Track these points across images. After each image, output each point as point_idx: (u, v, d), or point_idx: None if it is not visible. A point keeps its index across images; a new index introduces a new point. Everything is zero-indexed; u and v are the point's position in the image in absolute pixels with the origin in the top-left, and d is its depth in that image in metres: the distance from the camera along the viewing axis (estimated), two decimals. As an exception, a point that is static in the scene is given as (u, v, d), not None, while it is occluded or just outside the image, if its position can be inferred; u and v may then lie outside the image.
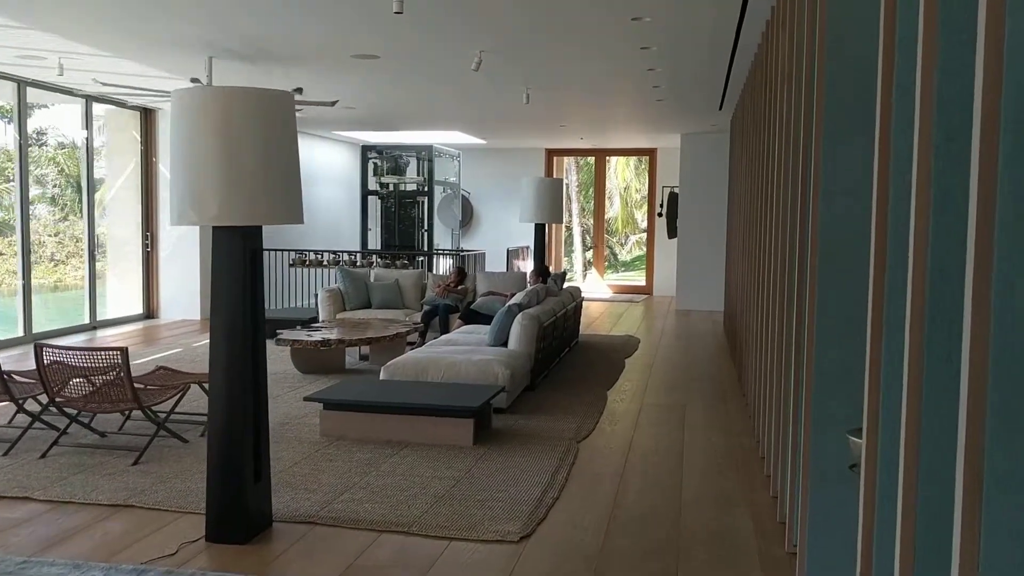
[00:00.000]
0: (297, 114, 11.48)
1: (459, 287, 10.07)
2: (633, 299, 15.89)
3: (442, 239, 16.44)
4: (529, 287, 8.46)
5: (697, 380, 8.08)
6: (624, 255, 24.54)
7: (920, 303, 1.85)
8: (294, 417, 6.26)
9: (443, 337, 7.85)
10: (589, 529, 4.23)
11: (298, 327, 9.28)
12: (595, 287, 17.64)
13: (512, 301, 7.85)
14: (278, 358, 8.47)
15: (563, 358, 8.96)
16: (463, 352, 6.84)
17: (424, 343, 8.50)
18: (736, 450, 5.67)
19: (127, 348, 5.17)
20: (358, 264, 12.95)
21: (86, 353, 5.32)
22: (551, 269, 10.19)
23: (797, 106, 4.14)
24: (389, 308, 10.06)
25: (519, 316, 7.29)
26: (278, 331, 8.33)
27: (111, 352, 5.13)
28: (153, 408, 5.60)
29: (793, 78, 4.25)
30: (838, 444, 3.41)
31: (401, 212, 14.80)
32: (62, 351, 5.35)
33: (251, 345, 3.93)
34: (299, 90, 9.40)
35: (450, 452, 5.40)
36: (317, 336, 7.81)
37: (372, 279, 10.48)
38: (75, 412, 5.44)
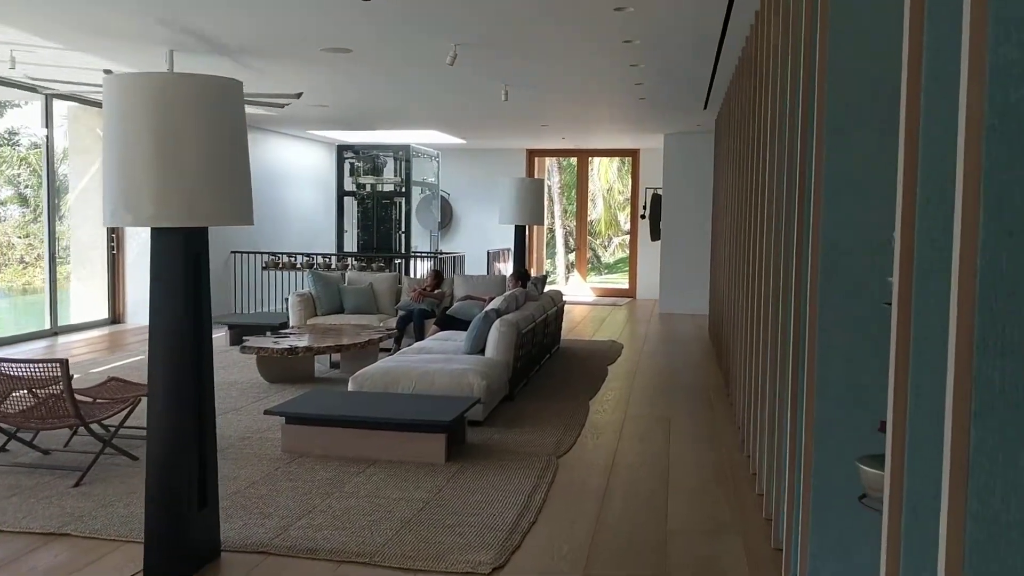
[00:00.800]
0: (267, 111, 11.09)
1: (436, 291, 9.70)
2: (616, 302, 15.58)
3: (421, 241, 16.07)
4: (508, 291, 8.10)
5: (682, 388, 7.75)
6: (607, 257, 24.25)
7: (968, 320, 1.51)
8: (256, 431, 5.87)
9: (416, 344, 7.48)
10: (568, 558, 3.88)
11: (268, 333, 8.90)
12: (577, 290, 17.31)
13: (490, 306, 7.49)
14: (244, 366, 8.08)
15: (544, 365, 8.61)
16: (437, 361, 6.48)
17: (400, 349, 8.13)
18: (725, 465, 5.33)
19: (67, 360, 4.77)
20: (332, 267, 12.57)
21: (26, 365, 4.92)
22: (531, 272, 9.82)
23: (793, 100, 3.80)
24: (363, 313, 9.68)
25: (497, 322, 6.93)
26: (245, 338, 7.94)
27: (50, 364, 4.73)
28: (104, 422, 5.21)
29: (789, 69, 3.92)
30: (844, 471, 3.08)
31: (378, 214, 14.41)
32: (1, 363, 4.95)
33: (194, 359, 3.55)
34: (299, 95, 8.94)
35: (421, 470, 5.04)
36: (284, 343, 7.42)
37: (346, 283, 10.10)
38: (14, 429, 5.03)
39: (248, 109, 10.96)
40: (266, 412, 5.47)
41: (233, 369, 8.12)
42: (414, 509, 4.39)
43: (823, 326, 3.08)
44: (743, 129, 6.57)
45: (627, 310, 14.44)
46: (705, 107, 10.60)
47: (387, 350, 9.08)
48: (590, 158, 18.08)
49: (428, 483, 4.80)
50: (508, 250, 14.79)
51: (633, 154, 16.58)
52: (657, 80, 8.85)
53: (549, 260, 21.56)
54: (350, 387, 6.16)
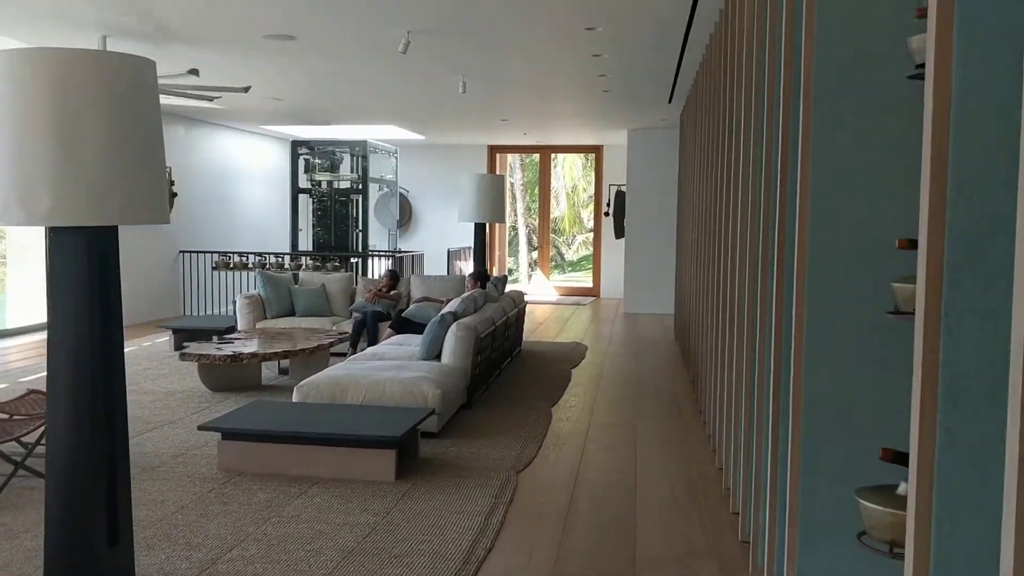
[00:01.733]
0: (214, 104, 10.59)
1: (391, 292, 9.28)
2: (580, 302, 15.24)
3: (379, 240, 15.62)
4: (466, 293, 7.71)
5: (649, 394, 7.41)
6: (571, 255, 23.94)
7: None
8: (192, 447, 5.42)
9: (369, 350, 7.06)
10: (527, 592, 3.50)
11: (214, 338, 8.44)
12: (541, 289, 16.96)
13: (446, 309, 7.10)
14: (186, 374, 7.61)
15: (504, 370, 8.23)
16: (389, 368, 6.07)
17: (357, 354, 7.71)
18: (696, 480, 4.99)
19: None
20: (285, 267, 12.10)
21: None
22: (492, 272, 9.42)
23: (773, 79, 3.46)
24: (315, 316, 9.24)
25: (454, 326, 6.54)
26: (185, 344, 7.47)
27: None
28: (22, 440, 4.74)
29: (767, 47, 3.57)
30: (835, 500, 2.74)
31: (335, 211, 13.94)
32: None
33: (102, 376, 3.11)
34: (195, 71, 8.44)
35: (368, 489, 4.63)
36: (228, 349, 6.97)
37: (298, 284, 9.65)
38: (-84, 449, 4.55)
39: (187, 102, 10.46)
40: (200, 428, 5.02)
41: (174, 377, 7.64)
42: (359, 536, 3.99)
43: (811, 335, 2.74)
44: (712, 119, 6.24)
45: (591, 310, 14.11)
46: (670, 101, 10.29)
47: (341, 355, 8.66)
48: (553, 154, 17.73)
49: (376, 504, 4.40)
50: (469, 249, 14.39)
51: (597, 150, 16.26)
52: (621, 72, 8.51)
53: (512, 259, 21.20)
54: (295, 397, 5.74)
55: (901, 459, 2.21)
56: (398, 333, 8.14)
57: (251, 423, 5.03)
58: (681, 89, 9.58)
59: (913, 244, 2.17)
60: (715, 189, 5.93)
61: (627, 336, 11.00)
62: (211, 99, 8.33)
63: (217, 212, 13.68)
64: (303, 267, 11.83)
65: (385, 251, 14.60)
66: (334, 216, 13.82)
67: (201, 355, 6.81)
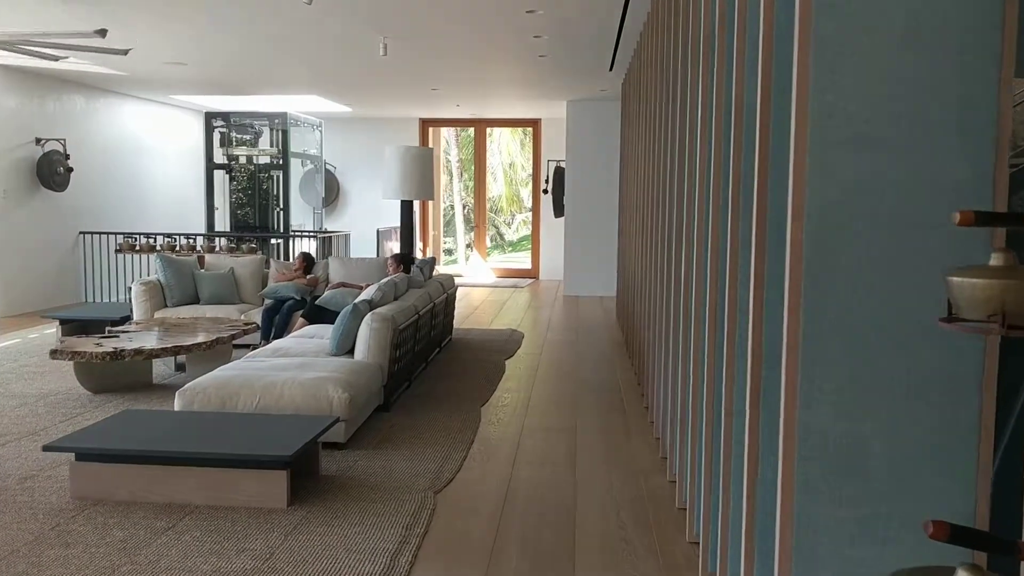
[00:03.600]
0: (117, 71, 9.55)
1: (307, 276, 8.41)
2: (518, 284, 14.49)
3: (305, 219, 14.65)
4: (387, 278, 6.88)
5: (590, 389, 6.69)
6: (511, 235, 23.20)
7: None
8: (45, 468, 4.53)
9: (273, 344, 6.18)
10: (437, 667, 2.74)
11: (108, 329, 7.51)
12: (478, 271, 16.17)
13: (361, 296, 6.27)
14: (65, 372, 6.67)
15: (431, 363, 7.44)
16: (290, 367, 5.24)
17: (258, 349, 6.85)
18: (644, 497, 4.28)
19: None
20: (197, 249, 11.11)
21: None
22: (418, 254, 8.60)
23: (750, 30, 2.72)
24: (222, 303, 8.32)
25: (368, 317, 5.73)
26: (62, 340, 6.53)
27: None
28: None
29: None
30: (840, 553, 2.02)
31: (253, 188, 12.94)
32: None
33: None
34: (102, 32, 7.48)
35: (253, 520, 3.82)
36: (109, 345, 6.06)
37: (204, 268, 8.71)
38: None
39: (83, 67, 9.40)
40: (46, 448, 4.13)
41: (52, 377, 6.70)
42: (229, 589, 3.19)
43: (812, 347, 2.01)
44: (660, 79, 5.50)
45: (529, 293, 13.38)
46: (611, 68, 9.55)
47: (250, 346, 7.80)
48: (488, 129, 16.90)
49: (259, 541, 3.60)
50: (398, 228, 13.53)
51: (534, 124, 15.48)
52: (558, 33, 7.73)
53: (450, 239, 20.36)
54: (177, 404, 4.88)
55: (963, 537, 1.50)
56: (312, 323, 7.29)
57: (113, 440, 4.17)
58: (623, 55, 8.84)
59: (989, 219, 1.44)
60: (664, 161, 5.20)
61: (567, 321, 10.28)
62: (56, 58, 7.35)
63: (124, 189, 12.59)
64: (216, 249, 10.87)
65: (309, 231, 13.65)
66: (255, 194, 12.83)
67: (75, 352, 5.88)
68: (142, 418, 4.62)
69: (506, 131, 20.82)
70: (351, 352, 5.79)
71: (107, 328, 7.56)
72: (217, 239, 11.69)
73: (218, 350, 6.62)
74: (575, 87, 11.33)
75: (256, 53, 9.07)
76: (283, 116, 12.52)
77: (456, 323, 9.64)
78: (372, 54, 8.36)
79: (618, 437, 5.33)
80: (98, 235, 11.63)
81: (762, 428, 2.42)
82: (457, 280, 15.12)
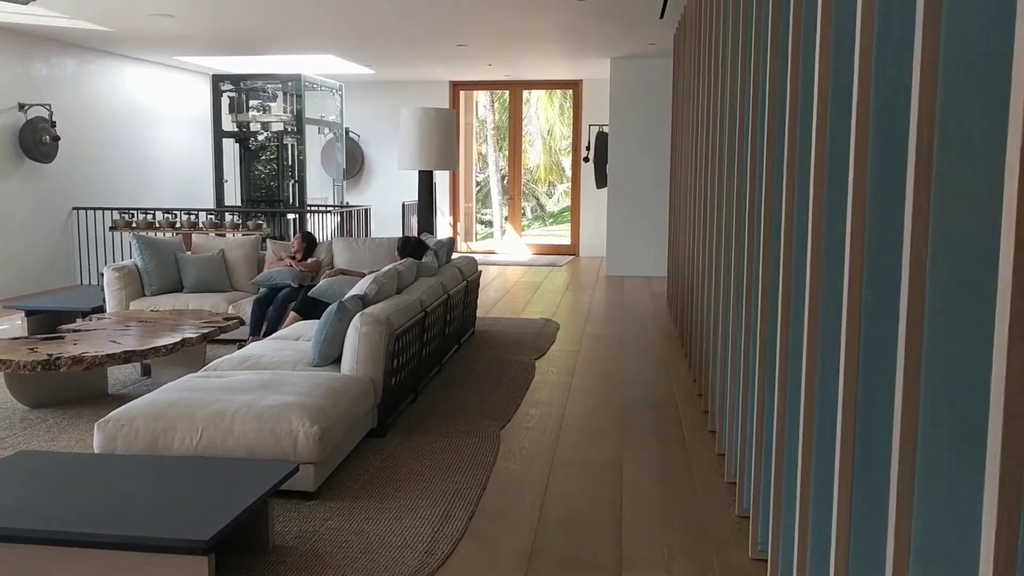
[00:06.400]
0: (100, 28, 8.37)
1: (308, 260, 7.24)
2: (555, 262, 13.22)
3: (327, 191, 13.50)
4: (389, 265, 5.64)
5: (639, 403, 5.43)
6: (552, 206, 21.90)
7: None
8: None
9: (242, 351, 4.94)
10: None
11: (80, 320, 6.46)
12: (513, 248, 14.93)
13: (353, 291, 5.07)
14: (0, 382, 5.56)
15: (446, 364, 6.24)
16: (251, 387, 4.04)
17: (260, 340, 5.71)
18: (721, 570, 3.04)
19: None
20: (199, 225, 10.01)
21: None
22: (431, 237, 7.36)
23: None
24: (209, 292, 7.19)
25: (356, 319, 4.52)
26: (20, 340, 5.42)
27: None
28: None
29: None
30: None
31: (266, 159, 11.80)
32: None
33: None
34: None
35: (156, 632, 2.65)
36: (44, 351, 4.93)
37: (190, 250, 7.58)
38: None
39: (54, 21, 8.24)
40: None
41: (-12, 384, 5.61)
42: None
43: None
44: (723, 30, 4.17)
45: (568, 272, 12.11)
46: (662, 15, 8.18)
47: (239, 342, 6.69)
48: (525, 92, 15.57)
49: (152, 677, 2.42)
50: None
51: (575, 86, 14.12)
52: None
53: (487, 211, 19.11)
54: (96, 442, 3.73)
55: None
56: (306, 318, 6.13)
57: (-24, 506, 3.01)
58: (676, 3, 7.50)
59: None
60: (733, 122, 3.90)
61: (610, 308, 9.01)
62: (24, 2, 6.19)
63: (124, 161, 11.52)
64: (199, 227, 9.74)
65: (329, 206, 12.48)
66: (267, 165, 11.70)
67: (1, 361, 4.76)
68: (38, 465, 3.45)
69: (543, 95, 19.47)
70: (339, 361, 4.61)
71: (58, 327, 6.46)
72: (227, 216, 10.56)
73: (188, 352, 5.49)
74: (620, 41, 9.97)
75: (252, 2, 7.86)
76: (297, 79, 11.34)
77: (483, 311, 8.43)
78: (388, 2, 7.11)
79: (678, 478, 4.08)
80: (94, 211, 10.58)
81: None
82: (490, 257, 13.91)
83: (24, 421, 4.86)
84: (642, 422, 4.98)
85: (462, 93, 14.70)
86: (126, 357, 4.97)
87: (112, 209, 10.42)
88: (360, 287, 5.02)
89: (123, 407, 3.83)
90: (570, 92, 14.77)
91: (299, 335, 5.39)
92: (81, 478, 3.26)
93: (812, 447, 2.36)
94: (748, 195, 3.54)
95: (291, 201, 11.66)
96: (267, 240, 7.72)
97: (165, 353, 5.14)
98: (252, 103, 11.63)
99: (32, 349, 4.98)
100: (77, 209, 10.50)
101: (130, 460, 3.48)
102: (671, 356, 6.72)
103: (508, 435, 4.69)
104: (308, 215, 11.33)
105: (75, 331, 5.59)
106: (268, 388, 4.02)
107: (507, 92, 15.13)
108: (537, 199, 21.89)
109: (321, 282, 6.47)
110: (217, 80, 11.42)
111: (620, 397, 5.52)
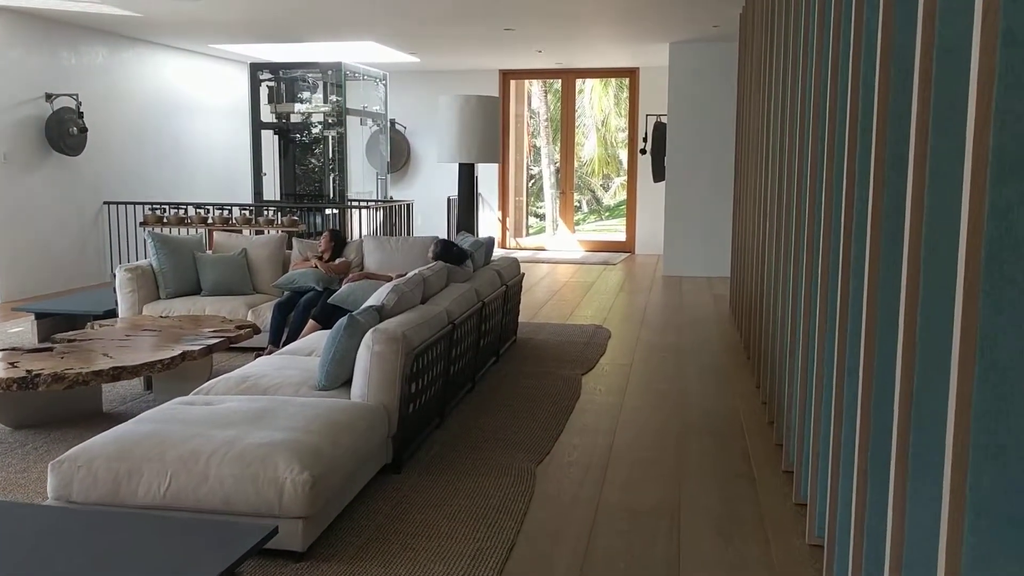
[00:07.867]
0: (130, 13, 7.88)
1: (336, 261, 6.64)
2: (609, 260, 12.47)
3: (370, 186, 12.92)
4: (415, 271, 4.98)
5: (700, 430, 4.70)
6: (608, 199, 21.13)
7: None
8: None
9: (243, 369, 4.33)
10: None
11: (91, 325, 5.95)
12: (564, 244, 14.22)
13: (369, 301, 4.43)
14: (-6, 395, 5.04)
15: (480, 380, 5.58)
16: (238, 419, 3.42)
17: (279, 351, 5.14)
18: None
19: None
20: (230, 221, 9.51)
21: None
22: (468, 236, 6.68)
23: None
24: (230, 295, 6.64)
25: (368, 336, 3.88)
26: (25, 346, 4.90)
27: None
28: None
29: None
30: None
31: (305, 152, 11.27)
32: None
33: None
34: None
35: None
36: (25, 366, 4.39)
37: (211, 250, 7.04)
38: None
39: (83, 7, 7.77)
40: None
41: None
42: None
43: None
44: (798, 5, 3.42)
45: (622, 271, 11.36)
46: (728, -9, 7.40)
47: (257, 350, 6.15)
48: (579, 80, 14.83)
49: None
50: (478, 196, 11.64)
51: (631, 74, 13.34)
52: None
53: (540, 204, 18.42)
54: (50, 488, 3.14)
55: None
56: (326, 328, 5.52)
57: None
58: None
59: None
60: (809, 109, 3.16)
61: (667, 313, 8.26)
62: None
63: (158, 154, 11.08)
64: (252, 223, 9.24)
65: (375, 200, 11.89)
66: (310, 157, 11.18)
67: (-27, 378, 4.23)
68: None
69: (597, 84, 18.69)
70: (350, 383, 3.98)
71: (90, 323, 6.01)
72: (266, 211, 10.03)
73: (191, 366, 4.91)
74: (680, 22, 9.18)
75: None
76: (337, 67, 10.79)
77: (528, 314, 7.76)
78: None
79: (750, 532, 3.35)
80: (125, 206, 10.15)
81: None
82: (540, 255, 13.21)
83: (1, 445, 4.33)
84: (703, 453, 4.25)
85: (512, 82, 14.03)
86: (114, 374, 4.40)
87: (145, 204, 9.98)
88: (377, 297, 4.38)
89: (84, 444, 3.23)
90: (626, 80, 13.99)
91: (312, 349, 4.78)
92: (12, 543, 2.66)
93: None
94: (823, 193, 2.82)
95: (332, 196, 11.14)
96: (293, 239, 7.12)
97: (160, 369, 4.56)
98: (292, 93, 11.13)
99: (12, 364, 4.44)
100: (108, 204, 10.07)
101: (79, 515, 2.86)
102: (735, 371, 5.96)
103: (545, 473, 4.01)
104: (347, 210, 10.76)
105: (69, 341, 5.05)
106: (258, 421, 3.39)
107: (559, 81, 14.39)
108: (593, 192, 21.15)
109: (343, 287, 5.85)
110: (255, 69, 10.94)
111: (678, 422, 4.80)
